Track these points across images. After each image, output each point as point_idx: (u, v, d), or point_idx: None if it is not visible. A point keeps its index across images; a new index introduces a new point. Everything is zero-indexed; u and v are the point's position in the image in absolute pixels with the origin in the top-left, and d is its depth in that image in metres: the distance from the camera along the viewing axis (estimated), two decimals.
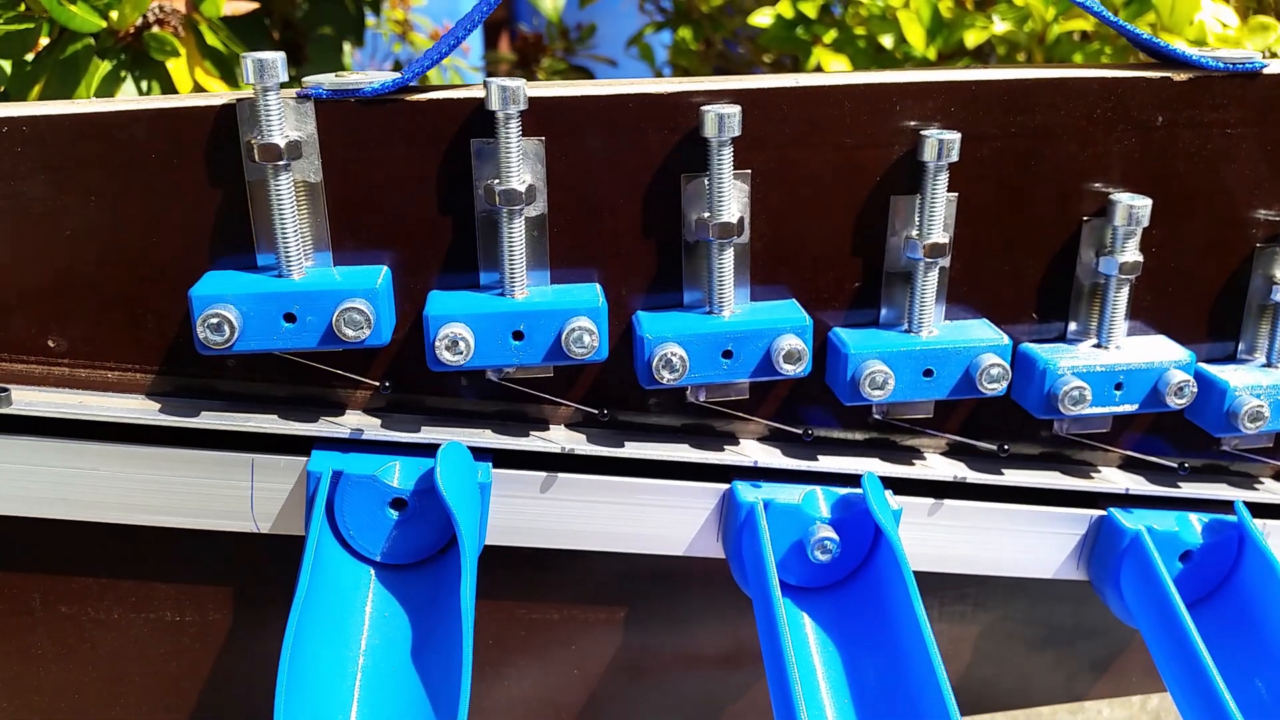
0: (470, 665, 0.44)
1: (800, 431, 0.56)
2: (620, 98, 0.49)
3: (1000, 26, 1.25)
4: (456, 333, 0.48)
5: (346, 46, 1.44)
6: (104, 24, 0.84)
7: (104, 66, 0.89)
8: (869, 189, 0.52)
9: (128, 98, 0.66)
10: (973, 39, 1.24)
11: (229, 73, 0.93)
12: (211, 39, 0.92)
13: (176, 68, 0.88)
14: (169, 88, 0.91)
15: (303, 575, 0.46)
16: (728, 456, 0.55)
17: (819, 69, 1.32)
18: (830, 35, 1.35)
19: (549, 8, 1.51)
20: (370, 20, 1.61)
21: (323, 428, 0.51)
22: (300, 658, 0.45)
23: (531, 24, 2.03)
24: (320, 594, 0.48)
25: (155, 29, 0.89)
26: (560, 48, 1.91)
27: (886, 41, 1.31)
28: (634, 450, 0.54)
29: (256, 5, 1.02)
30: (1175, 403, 0.54)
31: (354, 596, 0.50)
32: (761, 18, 1.38)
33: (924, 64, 1.29)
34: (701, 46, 1.72)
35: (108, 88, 0.90)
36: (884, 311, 0.54)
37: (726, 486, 0.55)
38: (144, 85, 0.92)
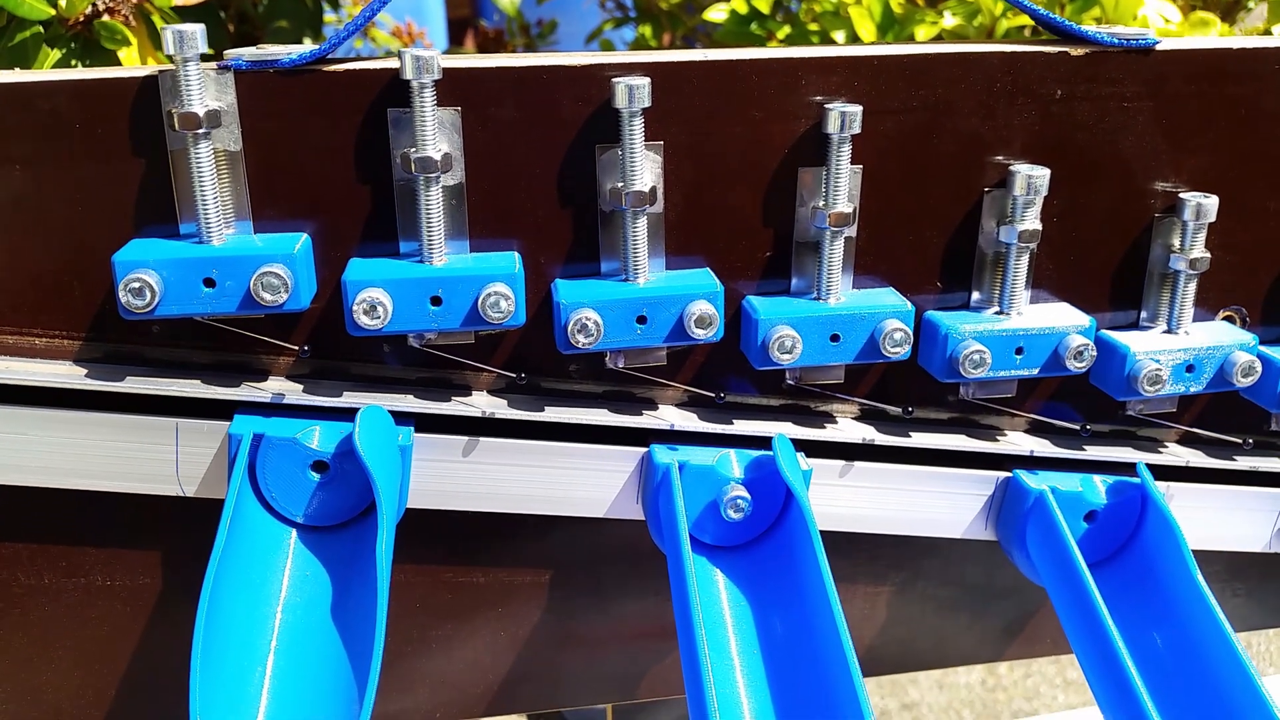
0: (384, 624, 0.46)
1: (713, 395, 0.58)
2: (534, 69, 0.51)
3: (950, 21, 1.28)
4: (374, 297, 0.49)
5: (307, 41, 1.45)
6: (52, 11, 0.85)
7: (54, 55, 0.90)
8: (778, 161, 0.54)
9: (52, 70, 0.67)
10: (923, 34, 1.26)
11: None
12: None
13: (128, 57, 0.89)
14: None
15: (219, 535, 0.47)
16: (646, 420, 0.57)
17: None
18: (784, 31, 1.37)
19: (506, 3, 1.53)
20: (330, 16, 1.62)
21: (244, 392, 0.52)
22: (217, 615, 0.47)
23: (493, 20, 2.04)
24: (239, 554, 0.50)
25: (105, 17, 0.90)
26: (521, 43, 1.92)
27: (839, 37, 1.34)
28: (554, 414, 0.55)
29: None
30: (1075, 366, 0.56)
31: (274, 557, 0.52)
32: (716, 13, 1.40)
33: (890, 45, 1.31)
34: (662, 43, 1.73)
35: None
36: (794, 280, 0.56)
37: (645, 450, 0.57)
38: None
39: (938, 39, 1.33)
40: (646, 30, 1.73)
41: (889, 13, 1.31)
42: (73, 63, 0.92)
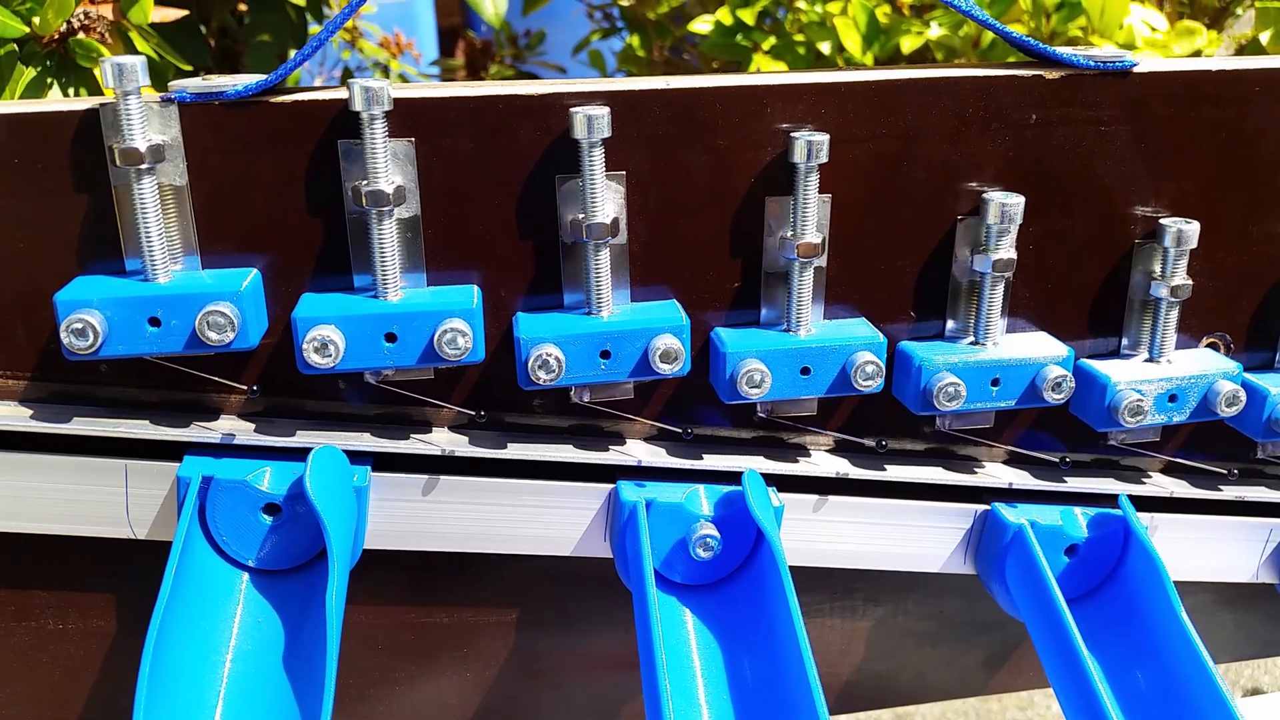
0: (335, 673, 0.44)
1: (680, 431, 0.56)
2: (489, 99, 0.49)
3: (935, 31, 1.26)
4: (325, 335, 0.48)
5: (293, 54, 1.44)
6: (26, 29, 0.84)
7: (29, 73, 0.88)
8: (745, 190, 0.52)
9: None
10: (908, 44, 1.25)
11: (162, 80, 0.93)
12: (142, 46, 0.91)
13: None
14: (96, 94, 0.90)
15: (165, 580, 0.46)
16: (611, 456, 0.55)
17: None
18: (769, 42, 1.36)
19: (490, 14, 1.51)
20: (315, 29, 1.61)
21: (194, 433, 0.51)
22: (163, 663, 0.45)
23: (482, 31, 2.03)
24: (188, 599, 0.48)
25: (81, 35, 0.89)
26: (509, 54, 1.91)
27: (824, 48, 1.32)
28: (517, 452, 0.54)
29: (186, 13, 1.02)
30: (1053, 398, 0.54)
31: (225, 602, 0.50)
32: (702, 25, 1.39)
33: (862, 69, 1.30)
34: (651, 53, 1.72)
35: (33, 94, 0.89)
36: (764, 311, 0.55)
37: (612, 486, 0.55)
38: (71, 91, 0.91)
39: (923, 49, 1.31)
40: (634, 40, 1.71)
41: (874, 23, 1.29)
42: (48, 81, 0.91)
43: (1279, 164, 0.56)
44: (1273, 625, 0.73)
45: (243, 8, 1.38)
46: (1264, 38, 1.23)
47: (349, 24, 1.89)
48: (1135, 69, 0.53)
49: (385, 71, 1.81)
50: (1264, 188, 0.57)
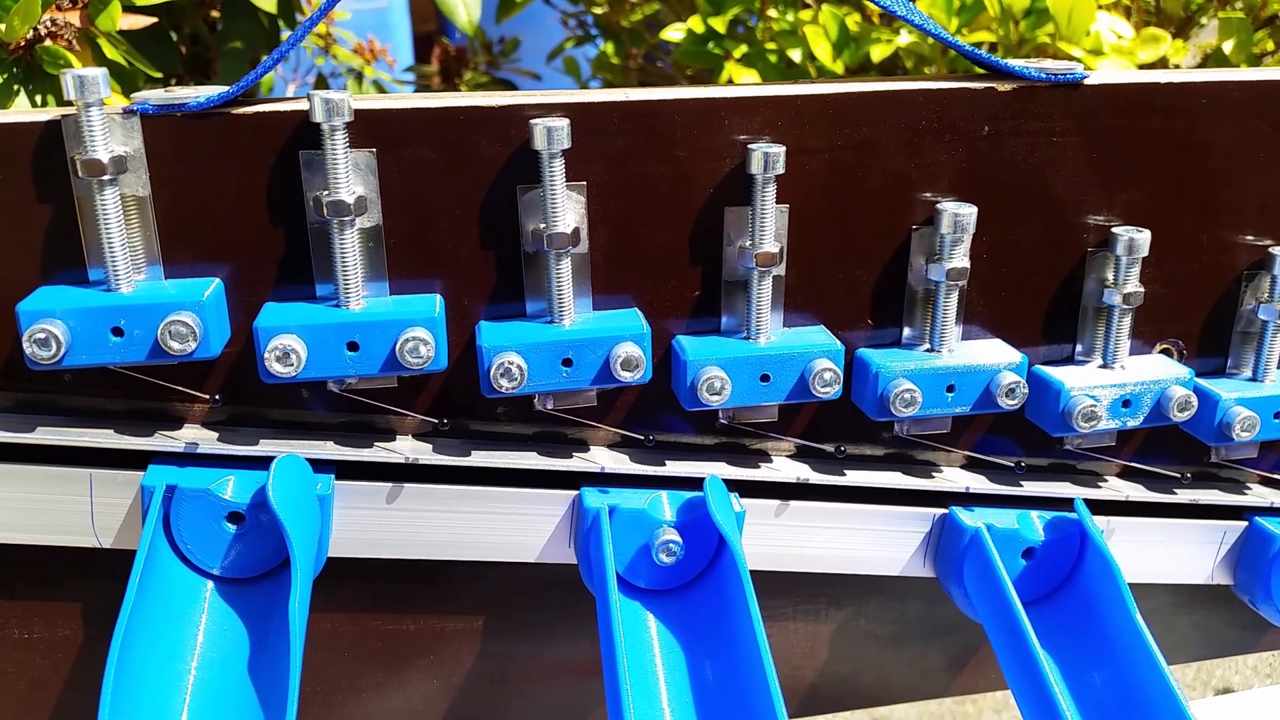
0: (298, 681, 0.45)
1: (642, 438, 0.57)
2: (450, 110, 0.50)
3: (905, 39, 1.28)
4: (287, 344, 0.48)
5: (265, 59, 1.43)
6: None
7: None
8: (704, 200, 0.53)
9: None
10: (879, 53, 1.26)
11: (132, 87, 0.93)
12: (111, 53, 0.91)
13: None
14: (65, 101, 0.90)
15: (130, 589, 0.46)
16: (575, 463, 0.56)
17: (730, 83, 1.34)
18: (740, 50, 1.37)
19: (464, 21, 1.51)
20: (288, 34, 1.61)
21: (158, 442, 0.51)
22: (128, 673, 0.45)
23: (456, 38, 2.03)
24: (152, 608, 0.48)
25: (48, 42, 0.88)
26: (484, 61, 1.92)
27: (795, 56, 1.33)
28: (481, 459, 0.54)
29: (154, 20, 1.02)
30: (1007, 404, 0.55)
31: (189, 610, 0.50)
32: (674, 33, 1.40)
33: (832, 77, 1.31)
34: (624, 60, 1.73)
35: None
36: (724, 319, 0.55)
37: (576, 493, 0.56)
38: (38, 99, 0.91)
39: (894, 56, 1.33)
40: (609, 48, 1.72)
41: (845, 31, 1.30)
42: (15, 88, 0.90)
43: (1228, 173, 0.58)
44: (1231, 625, 0.74)
45: (215, 15, 1.37)
46: (1227, 46, 1.25)
47: (322, 29, 1.89)
48: (1086, 81, 0.55)
49: (359, 78, 1.81)
50: (1213, 197, 0.58)
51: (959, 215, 0.53)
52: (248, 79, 0.48)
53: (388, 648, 0.60)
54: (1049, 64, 0.55)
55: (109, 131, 0.47)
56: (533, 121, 0.49)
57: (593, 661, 0.64)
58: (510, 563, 0.57)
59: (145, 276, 0.50)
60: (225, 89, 0.49)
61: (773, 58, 1.38)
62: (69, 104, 0.47)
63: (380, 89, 1.81)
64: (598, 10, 1.65)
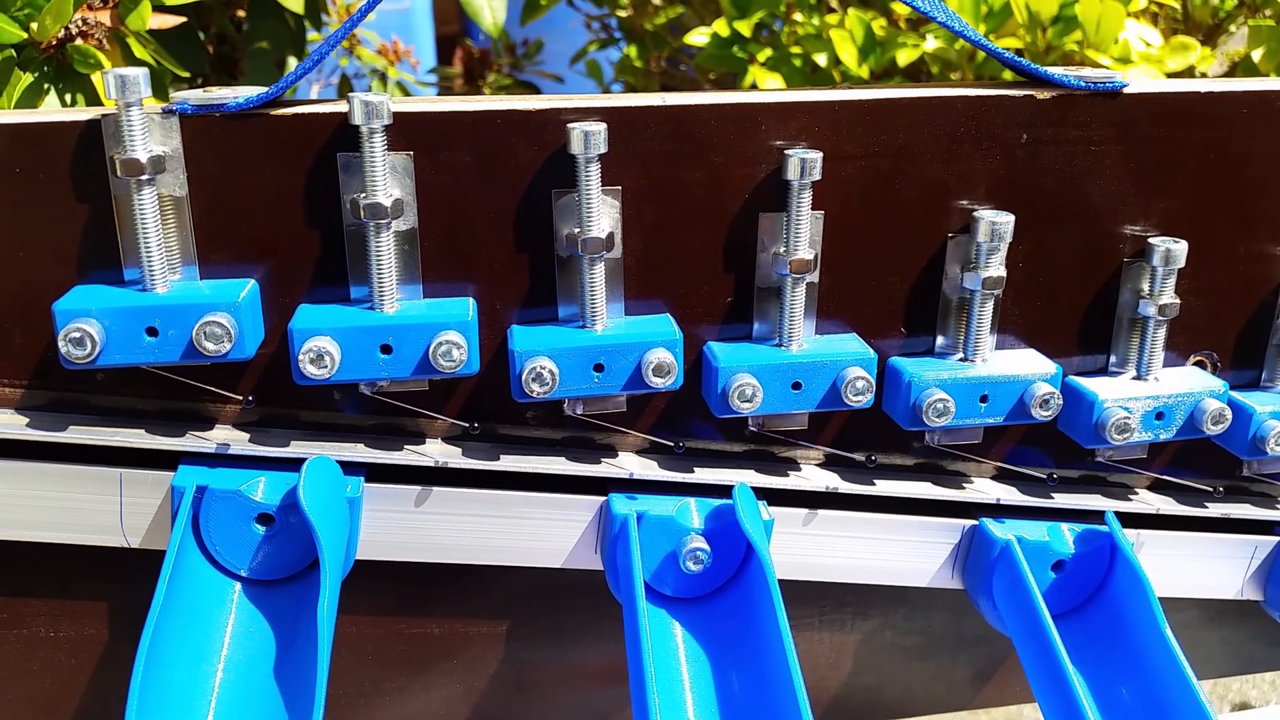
0: (325, 685, 0.45)
1: (672, 444, 0.57)
2: (488, 114, 0.50)
3: (931, 44, 1.27)
4: (321, 346, 0.48)
5: (291, 60, 1.44)
6: (24, 35, 0.84)
7: (25, 79, 0.88)
8: (738, 206, 0.53)
9: None
10: (905, 57, 1.26)
11: (161, 86, 0.93)
12: (140, 52, 0.92)
13: (101, 81, 0.87)
14: (94, 100, 0.91)
15: (158, 591, 0.46)
16: (603, 469, 0.56)
17: (754, 88, 1.34)
18: (765, 54, 1.37)
19: (488, 23, 1.52)
20: (314, 35, 1.61)
21: (188, 442, 0.51)
22: (155, 673, 0.45)
23: (480, 40, 2.04)
24: (180, 609, 0.48)
25: (79, 41, 0.89)
26: (507, 63, 1.92)
27: (821, 60, 1.33)
28: (510, 464, 0.54)
29: (184, 19, 1.02)
30: (1041, 415, 0.55)
31: (217, 611, 0.50)
32: (698, 37, 1.39)
33: (859, 83, 1.31)
34: (648, 64, 1.73)
35: (30, 99, 0.89)
36: (756, 326, 0.55)
37: (604, 499, 0.56)
38: (68, 97, 0.91)
39: (919, 62, 1.32)
40: (632, 51, 1.72)
41: (871, 36, 1.30)
42: (45, 86, 0.91)
43: (1266, 184, 0.57)
44: (1259, 642, 0.73)
45: (241, 14, 1.38)
46: (1256, 55, 1.24)
47: None
48: (1125, 89, 0.54)
49: (383, 79, 1.81)
50: (1251, 208, 0.57)
51: (996, 223, 0.53)
52: (287, 79, 0.48)
53: (411, 651, 0.60)
54: (1087, 72, 0.55)
55: (148, 131, 0.47)
56: (570, 125, 0.49)
57: (615, 668, 0.64)
58: (535, 567, 0.57)
59: (180, 277, 0.50)
60: (263, 90, 0.49)
61: (797, 62, 1.37)
62: (98, 102, 0.47)
63: (404, 90, 1.81)
64: (621, 13, 1.65)
